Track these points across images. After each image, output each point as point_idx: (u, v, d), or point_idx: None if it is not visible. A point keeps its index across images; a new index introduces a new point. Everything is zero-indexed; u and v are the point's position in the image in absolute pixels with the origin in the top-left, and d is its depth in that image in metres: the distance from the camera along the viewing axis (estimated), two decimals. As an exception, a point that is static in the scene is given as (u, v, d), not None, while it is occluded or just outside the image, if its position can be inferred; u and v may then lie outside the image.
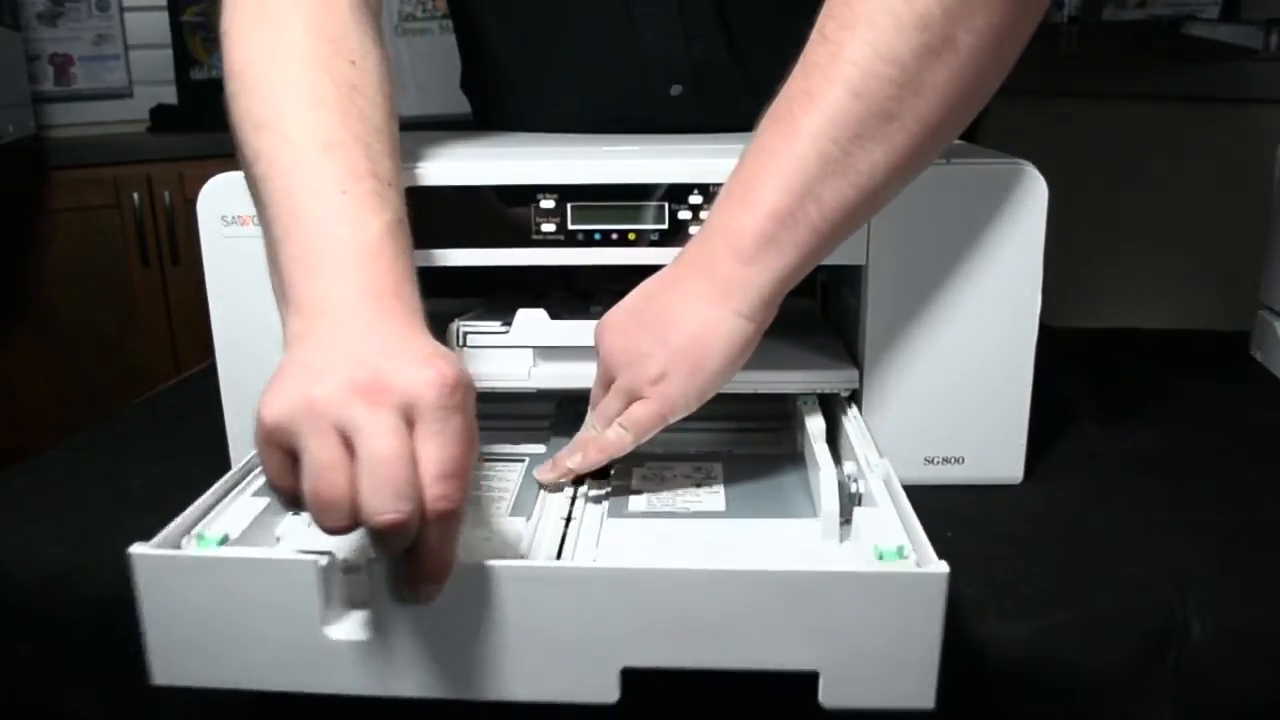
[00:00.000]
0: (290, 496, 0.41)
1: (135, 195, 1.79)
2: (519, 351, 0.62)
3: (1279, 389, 0.81)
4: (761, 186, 0.51)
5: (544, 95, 0.84)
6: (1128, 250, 1.61)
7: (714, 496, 0.57)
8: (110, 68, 2.07)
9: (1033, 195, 0.57)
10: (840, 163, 0.50)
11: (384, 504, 0.38)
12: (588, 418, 0.58)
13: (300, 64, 0.52)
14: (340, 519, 0.39)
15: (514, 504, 0.57)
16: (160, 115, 2.01)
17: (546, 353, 0.62)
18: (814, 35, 0.51)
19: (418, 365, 0.41)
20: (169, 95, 2.09)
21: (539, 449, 0.64)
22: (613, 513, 0.55)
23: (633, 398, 0.55)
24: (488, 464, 0.62)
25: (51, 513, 0.60)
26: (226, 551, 0.43)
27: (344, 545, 0.43)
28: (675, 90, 0.80)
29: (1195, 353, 0.90)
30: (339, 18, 0.55)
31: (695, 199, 0.59)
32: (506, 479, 0.60)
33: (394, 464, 0.38)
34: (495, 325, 0.63)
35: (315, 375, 0.41)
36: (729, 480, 0.59)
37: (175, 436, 0.72)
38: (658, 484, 0.58)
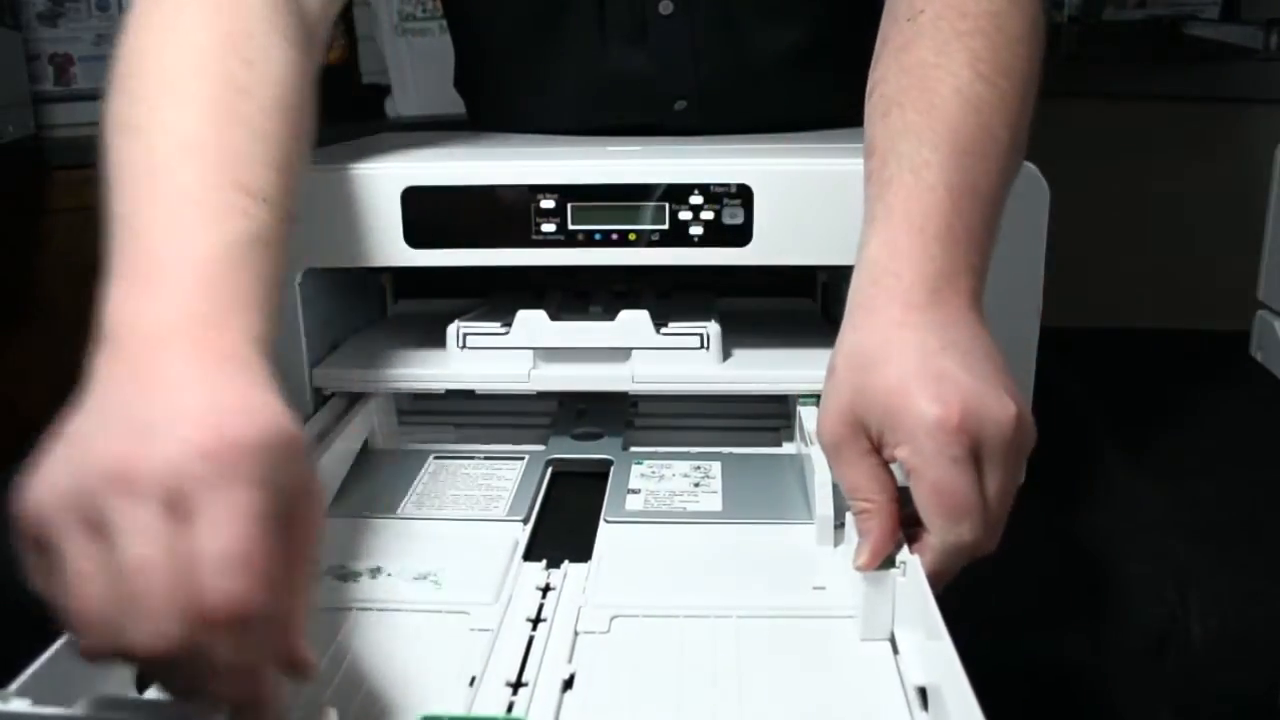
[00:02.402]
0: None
1: (135, 195, 1.79)
2: (519, 353, 0.62)
3: (1279, 389, 0.81)
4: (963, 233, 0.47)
5: (543, 107, 0.84)
6: (1128, 250, 1.61)
7: (711, 497, 0.57)
8: (110, 68, 2.07)
9: (1034, 195, 0.57)
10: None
11: (137, 629, 0.29)
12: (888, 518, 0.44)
13: (183, 61, 0.45)
14: (103, 646, 0.31)
15: (512, 504, 0.57)
16: (160, 115, 2.01)
17: (546, 354, 0.62)
18: (954, 87, 0.49)
19: (187, 428, 0.31)
20: (169, 95, 2.09)
21: (539, 448, 0.64)
22: (610, 513, 0.55)
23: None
24: (488, 461, 0.62)
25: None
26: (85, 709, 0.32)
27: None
28: (679, 105, 0.81)
29: (1195, 353, 0.90)
30: (244, 13, 0.48)
31: (695, 199, 0.58)
32: (506, 478, 0.60)
33: (144, 576, 0.29)
34: (495, 326, 0.63)
35: (74, 450, 0.32)
36: (727, 481, 0.59)
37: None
38: (656, 483, 0.58)
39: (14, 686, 0.33)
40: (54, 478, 0.32)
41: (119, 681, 0.39)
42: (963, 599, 0.41)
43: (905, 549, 0.43)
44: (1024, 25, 0.52)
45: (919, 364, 0.42)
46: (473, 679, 0.41)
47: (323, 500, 0.36)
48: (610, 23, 0.78)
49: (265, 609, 0.31)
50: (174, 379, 0.35)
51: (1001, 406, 0.41)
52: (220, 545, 0.30)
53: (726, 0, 0.77)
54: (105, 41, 2.13)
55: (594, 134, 0.79)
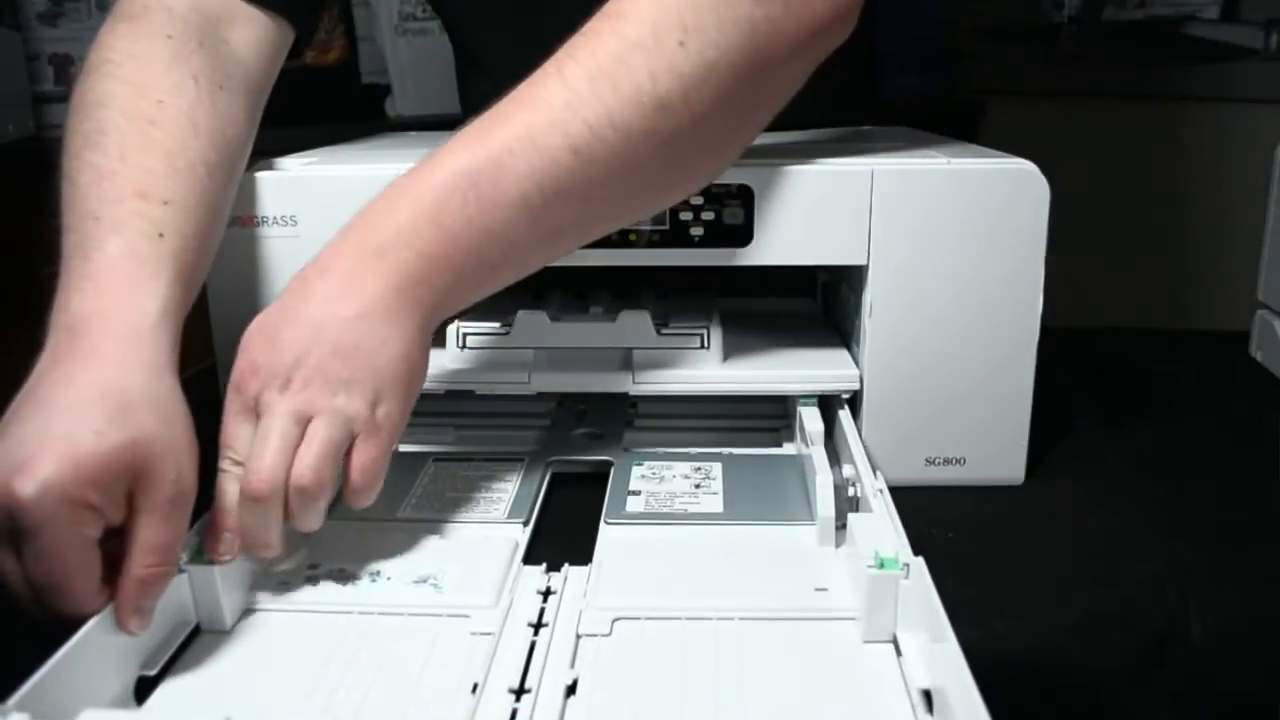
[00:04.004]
0: None
1: (135, 195, 1.78)
2: (519, 353, 0.62)
3: (1279, 389, 0.81)
4: (449, 220, 0.49)
5: None
6: (1127, 250, 1.61)
7: (712, 498, 0.57)
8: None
9: (1034, 195, 0.57)
10: (536, 213, 0.49)
11: None
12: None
13: (101, 110, 0.53)
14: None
15: (512, 505, 0.57)
16: (160, 115, 2.00)
17: (547, 354, 0.62)
18: (552, 68, 0.50)
19: (23, 449, 0.40)
20: (169, 95, 2.08)
21: (539, 450, 0.64)
22: (610, 515, 0.55)
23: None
24: (487, 463, 0.62)
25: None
26: None
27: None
28: None
29: (1195, 353, 0.90)
30: (151, 66, 0.56)
31: (696, 199, 0.58)
32: (505, 480, 0.60)
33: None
34: (495, 326, 0.63)
35: None
36: (727, 481, 0.59)
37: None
38: (656, 484, 0.58)
39: (13, 700, 0.33)
40: None
41: (118, 695, 0.39)
42: (963, 600, 0.41)
43: (908, 549, 0.43)
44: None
45: None
46: (475, 685, 0.40)
47: (167, 485, 0.42)
48: None
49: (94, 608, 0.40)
50: (44, 387, 0.44)
51: None
52: (42, 568, 0.40)
53: None
54: (105, 42, 2.13)
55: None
